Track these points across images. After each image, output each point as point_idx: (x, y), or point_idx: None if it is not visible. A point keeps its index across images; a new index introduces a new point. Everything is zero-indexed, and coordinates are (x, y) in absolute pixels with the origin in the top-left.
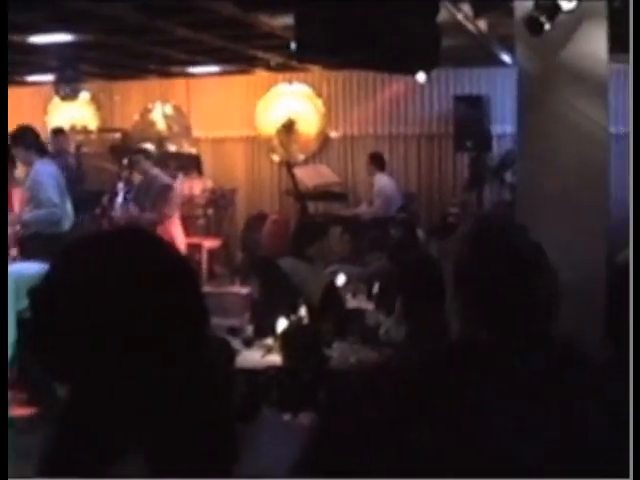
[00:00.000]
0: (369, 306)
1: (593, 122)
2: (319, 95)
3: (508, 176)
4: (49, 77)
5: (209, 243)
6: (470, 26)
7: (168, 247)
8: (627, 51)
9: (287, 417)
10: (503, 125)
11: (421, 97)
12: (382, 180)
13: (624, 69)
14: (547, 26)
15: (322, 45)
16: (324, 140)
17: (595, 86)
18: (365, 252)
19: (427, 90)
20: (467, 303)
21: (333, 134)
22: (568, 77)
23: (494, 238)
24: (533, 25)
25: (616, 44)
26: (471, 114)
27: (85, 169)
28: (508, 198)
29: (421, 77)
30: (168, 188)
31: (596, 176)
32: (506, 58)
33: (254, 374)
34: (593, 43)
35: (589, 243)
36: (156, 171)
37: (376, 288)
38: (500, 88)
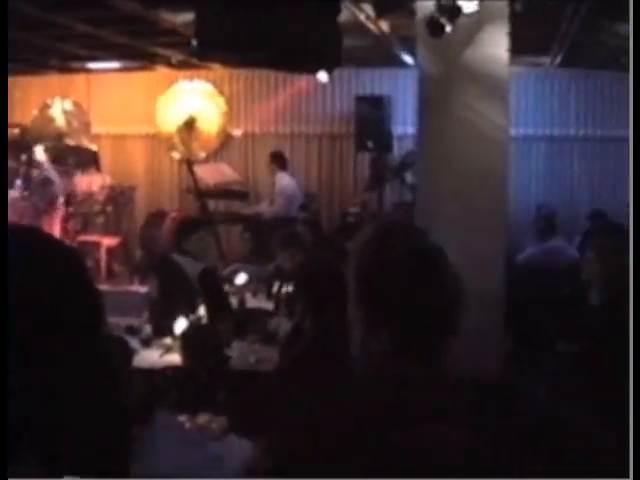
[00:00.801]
0: (269, 306)
1: (493, 124)
2: (221, 93)
3: (409, 176)
4: None
5: (108, 241)
6: (372, 27)
7: (59, 245)
8: (527, 54)
9: (184, 418)
10: (404, 126)
11: (323, 96)
12: (283, 179)
13: (525, 72)
14: (448, 28)
15: (223, 43)
16: (225, 138)
17: (495, 88)
18: (275, 250)
19: (329, 90)
20: (368, 306)
21: (235, 132)
22: (469, 79)
23: (396, 241)
24: (434, 27)
25: (517, 47)
26: (372, 114)
27: None
28: (409, 198)
29: (323, 77)
30: (46, 181)
31: (496, 177)
32: (408, 59)
33: (152, 374)
34: (494, 46)
35: (489, 244)
36: (47, 165)
37: (276, 287)
38: (402, 89)
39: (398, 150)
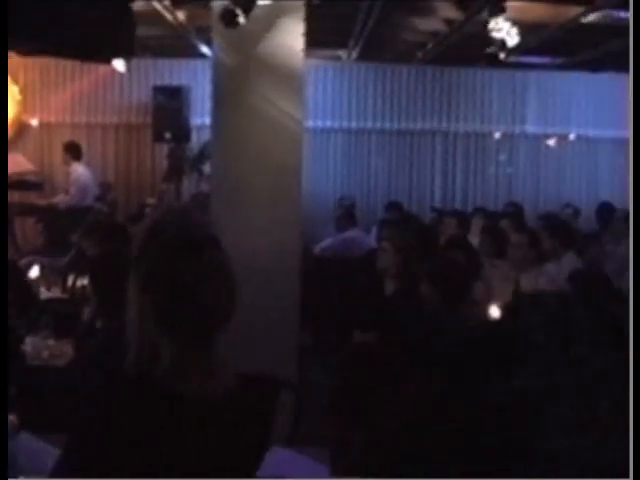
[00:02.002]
0: (64, 297)
1: (288, 116)
2: (15, 82)
3: (207, 168)
4: None
5: None
6: (169, 16)
7: None
8: (324, 47)
9: None
10: (202, 117)
11: (120, 86)
12: (78, 169)
13: (322, 65)
14: (242, 19)
15: (11, 30)
16: (20, 128)
17: (291, 80)
18: (78, 240)
19: (126, 79)
20: (142, 295)
21: (30, 122)
22: (264, 70)
23: (166, 232)
24: (229, 17)
25: (314, 40)
26: (170, 105)
27: None
28: (206, 189)
29: (120, 66)
30: None
31: (290, 169)
32: (205, 50)
33: None
34: (290, 38)
35: (284, 235)
36: None
37: (71, 280)
38: (200, 79)
39: (197, 141)
